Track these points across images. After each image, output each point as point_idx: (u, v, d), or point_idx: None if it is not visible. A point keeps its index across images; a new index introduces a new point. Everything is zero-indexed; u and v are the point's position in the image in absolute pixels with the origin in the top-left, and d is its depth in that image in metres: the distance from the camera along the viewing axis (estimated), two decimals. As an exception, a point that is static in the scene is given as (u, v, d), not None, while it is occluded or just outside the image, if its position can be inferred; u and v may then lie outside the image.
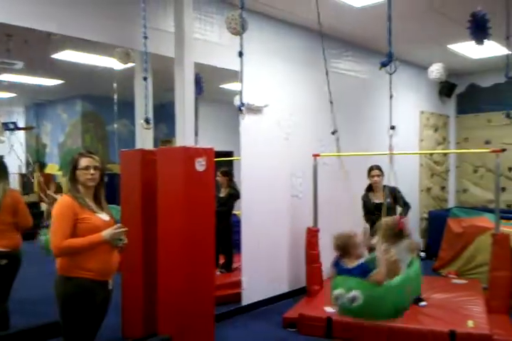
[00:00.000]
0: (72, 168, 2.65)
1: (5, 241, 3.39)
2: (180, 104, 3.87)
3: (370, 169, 4.91)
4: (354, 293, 2.92)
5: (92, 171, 2.64)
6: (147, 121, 3.82)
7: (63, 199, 2.59)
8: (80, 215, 2.54)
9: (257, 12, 4.92)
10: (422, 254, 6.84)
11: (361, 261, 3.10)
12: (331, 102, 5.26)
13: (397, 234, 3.48)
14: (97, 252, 2.55)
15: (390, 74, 2.72)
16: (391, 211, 4.52)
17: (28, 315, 3.95)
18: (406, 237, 3.57)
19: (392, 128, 3.13)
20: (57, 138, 6.67)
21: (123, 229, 2.60)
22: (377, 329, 3.94)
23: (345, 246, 3.15)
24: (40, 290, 4.20)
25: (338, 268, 3.15)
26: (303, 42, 5.58)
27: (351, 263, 3.10)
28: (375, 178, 4.86)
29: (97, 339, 2.71)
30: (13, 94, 7.27)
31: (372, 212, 4.78)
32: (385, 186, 4.83)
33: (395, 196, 4.73)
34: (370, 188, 4.98)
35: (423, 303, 4.41)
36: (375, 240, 3.68)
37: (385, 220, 3.55)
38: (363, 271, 2.99)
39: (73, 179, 2.65)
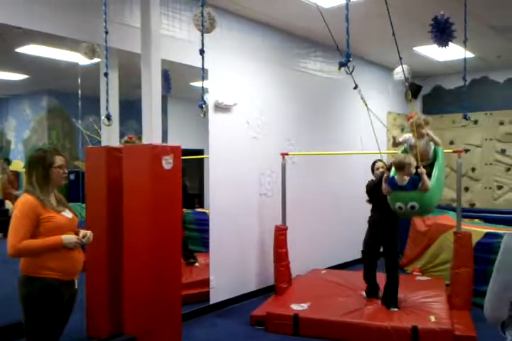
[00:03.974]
0: (45, 165, 2.56)
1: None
2: (147, 101, 3.83)
3: (374, 162, 4.76)
4: (411, 203, 3.74)
5: (65, 170, 2.61)
6: (108, 117, 3.78)
7: (26, 199, 2.50)
8: (43, 215, 2.49)
9: (228, 11, 4.92)
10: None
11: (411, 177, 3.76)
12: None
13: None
14: (61, 251, 2.51)
15: (349, 73, 2.87)
16: None
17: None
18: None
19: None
20: (22, 134, 6.50)
21: (84, 240, 2.59)
22: (343, 326, 4.01)
23: (400, 163, 3.81)
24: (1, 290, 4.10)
25: (393, 185, 3.86)
26: (273, 42, 5.59)
27: (402, 181, 3.80)
28: (381, 170, 4.59)
29: (62, 339, 2.67)
30: (-25, 89, 7.04)
31: None
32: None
33: None
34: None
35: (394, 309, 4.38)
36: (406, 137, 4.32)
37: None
38: (414, 184, 3.75)
39: (46, 177, 2.56)
